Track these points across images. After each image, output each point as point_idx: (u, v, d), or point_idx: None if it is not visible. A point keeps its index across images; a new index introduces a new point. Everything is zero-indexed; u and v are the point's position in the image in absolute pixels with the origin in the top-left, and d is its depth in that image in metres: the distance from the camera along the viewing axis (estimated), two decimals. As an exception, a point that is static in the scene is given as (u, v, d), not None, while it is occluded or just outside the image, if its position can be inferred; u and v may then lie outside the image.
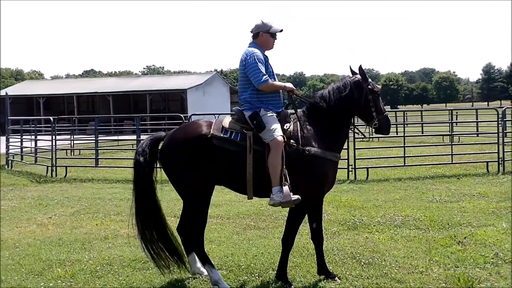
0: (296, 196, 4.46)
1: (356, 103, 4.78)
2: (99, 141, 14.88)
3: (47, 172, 13.34)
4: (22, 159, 16.12)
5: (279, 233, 6.00)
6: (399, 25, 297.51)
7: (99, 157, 14.66)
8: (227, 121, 4.75)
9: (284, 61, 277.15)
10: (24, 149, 16.67)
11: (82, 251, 6.04)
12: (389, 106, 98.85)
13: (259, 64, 4.68)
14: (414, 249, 5.73)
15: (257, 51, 4.77)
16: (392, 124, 24.71)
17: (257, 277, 4.95)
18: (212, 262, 4.85)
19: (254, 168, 4.52)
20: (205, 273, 4.97)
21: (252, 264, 5.30)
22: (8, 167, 15.37)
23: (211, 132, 4.61)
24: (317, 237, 4.94)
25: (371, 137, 20.30)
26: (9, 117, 16.87)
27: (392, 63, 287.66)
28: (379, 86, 4.97)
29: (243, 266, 5.24)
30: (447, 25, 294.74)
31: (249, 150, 4.53)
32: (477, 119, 20.88)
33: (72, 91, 43.09)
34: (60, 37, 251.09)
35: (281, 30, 4.91)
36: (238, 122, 4.72)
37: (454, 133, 17.73)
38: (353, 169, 11.37)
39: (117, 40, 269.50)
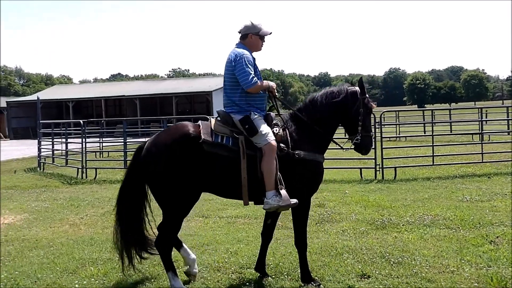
0: (295, 200, 4.45)
1: (347, 111, 4.75)
2: (127, 143, 15.14)
3: (77, 174, 13.68)
4: (53, 161, 16.58)
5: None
6: (426, 23, 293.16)
7: (127, 159, 14.90)
8: (214, 124, 4.57)
9: (309, 61, 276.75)
10: (55, 152, 17.10)
11: (113, 251, 6.10)
12: (416, 106, 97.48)
13: (249, 66, 4.56)
14: (445, 248, 5.66)
15: (246, 53, 4.65)
16: (419, 123, 24.43)
17: (285, 276, 4.97)
18: (177, 271, 4.74)
19: (247, 173, 4.44)
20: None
21: (280, 263, 5.32)
22: (40, 169, 15.82)
23: (202, 137, 4.40)
24: (268, 233, 4.99)
25: (398, 136, 20.11)
26: (40, 121, 17.36)
27: (418, 61, 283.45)
28: (375, 105, 4.92)
29: (271, 265, 5.26)
30: (476, 22, 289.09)
31: (243, 155, 4.42)
32: (508, 117, 20.36)
33: (100, 94, 44.08)
34: (88, 42, 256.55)
35: (270, 33, 4.82)
36: (226, 125, 4.58)
37: (484, 131, 17.35)
38: (380, 169, 11.28)
39: (143, 44, 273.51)
